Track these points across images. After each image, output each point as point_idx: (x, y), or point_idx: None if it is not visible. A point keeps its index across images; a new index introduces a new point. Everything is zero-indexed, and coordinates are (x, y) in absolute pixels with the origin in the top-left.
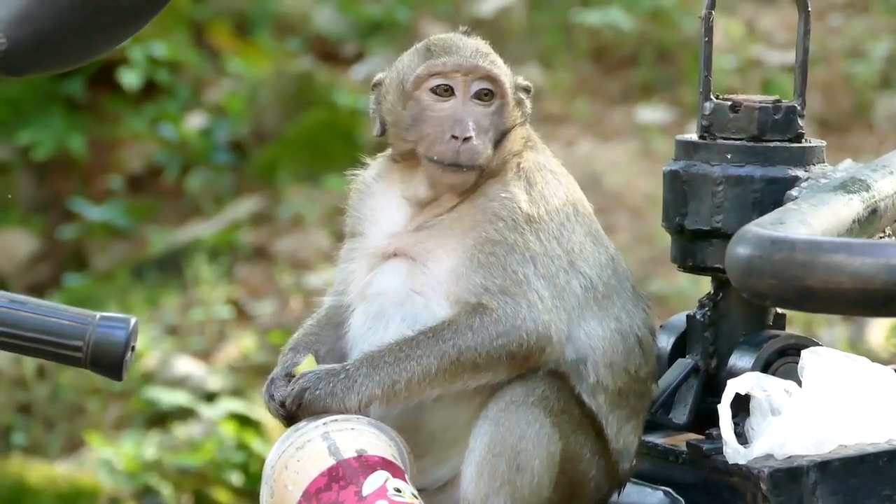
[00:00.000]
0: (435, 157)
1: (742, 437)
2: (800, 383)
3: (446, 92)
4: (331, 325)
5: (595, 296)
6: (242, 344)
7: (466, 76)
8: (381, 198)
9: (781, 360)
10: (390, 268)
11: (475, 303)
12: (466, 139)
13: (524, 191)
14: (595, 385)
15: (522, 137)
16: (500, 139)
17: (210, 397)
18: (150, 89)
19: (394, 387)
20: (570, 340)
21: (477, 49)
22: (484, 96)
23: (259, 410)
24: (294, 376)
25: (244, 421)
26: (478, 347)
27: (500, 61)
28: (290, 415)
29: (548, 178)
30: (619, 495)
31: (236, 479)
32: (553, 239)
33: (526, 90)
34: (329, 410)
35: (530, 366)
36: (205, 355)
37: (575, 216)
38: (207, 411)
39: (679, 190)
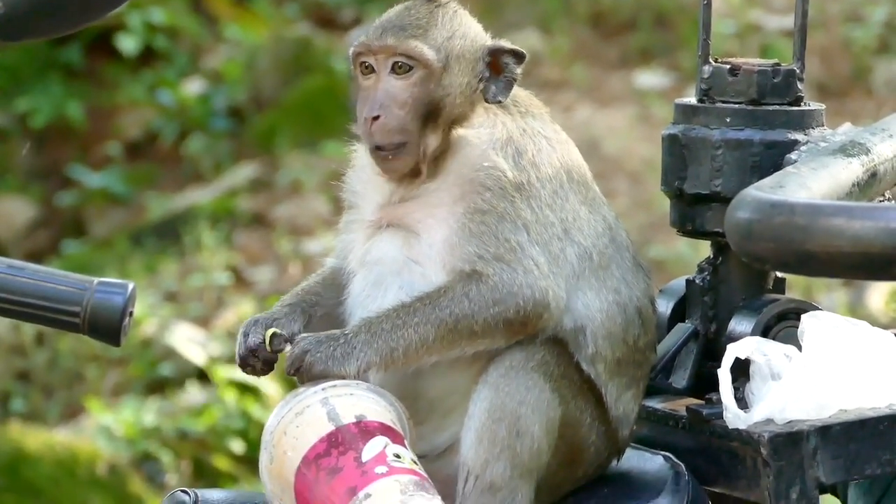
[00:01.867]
0: (362, 142)
1: (742, 402)
2: (800, 348)
3: (368, 70)
4: (334, 286)
5: (591, 266)
6: (241, 310)
7: (377, 55)
8: (370, 170)
9: (781, 325)
10: (387, 237)
11: (470, 270)
12: (375, 118)
13: (511, 159)
14: (594, 355)
15: (486, 105)
16: (433, 109)
17: (210, 363)
18: (148, 55)
19: (391, 354)
20: (568, 310)
21: (394, 23)
22: (399, 69)
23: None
24: (273, 336)
25: (243, 388)
26: (475, 315)
27: (433, 30)
28: (247, 364)
29: (541, 145)
30: (617, 461)
31: (237, 446)
32: (546, 206)
33: (515, 55)
34: (328, 375)
35: (528, 332)
36: (203, 321)
37: (569, 183)
38: (208, 377)
39: (678, 154)
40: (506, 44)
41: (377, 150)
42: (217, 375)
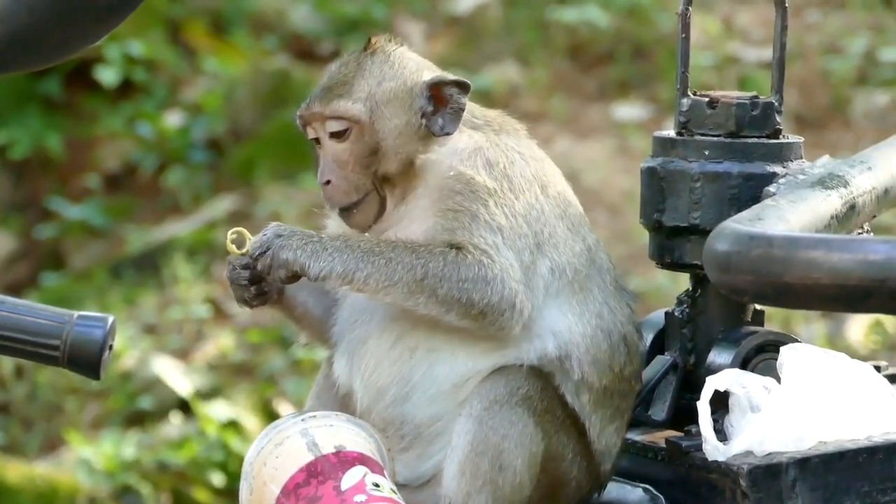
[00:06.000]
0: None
1: (721, 434)
2: (779, 380)
3: (316, 140)
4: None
5: (566, 283)
6: (220, 342)
7: (312, 123)
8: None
9: (760, 357)
10: None
11: (451, 240)
12: (327, 183)
13: (483, 168)
14: (579, 382)
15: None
16: (377, 158)
17: (192, 395)
18: (127, 88)
19: (355, 273)
20: (551, 334)
21: (322, 86)
22: (335, 134)
23: (238, 410)
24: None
25: (223, 421)
26: (443, 279)
27: (358, 82)
28: (253, 271)
29: (513, 159)
30: (599, 495)
31: (217, 478)
32: (519, 216)
33: (458, 85)
34: (291, 266)
35: (482, 324)
36: (183, 354)
37: (544, 197)
38: (189, 410)
39: (656, 186)
40: (447, 75)
41: (340, 211)
42: (198, 407)
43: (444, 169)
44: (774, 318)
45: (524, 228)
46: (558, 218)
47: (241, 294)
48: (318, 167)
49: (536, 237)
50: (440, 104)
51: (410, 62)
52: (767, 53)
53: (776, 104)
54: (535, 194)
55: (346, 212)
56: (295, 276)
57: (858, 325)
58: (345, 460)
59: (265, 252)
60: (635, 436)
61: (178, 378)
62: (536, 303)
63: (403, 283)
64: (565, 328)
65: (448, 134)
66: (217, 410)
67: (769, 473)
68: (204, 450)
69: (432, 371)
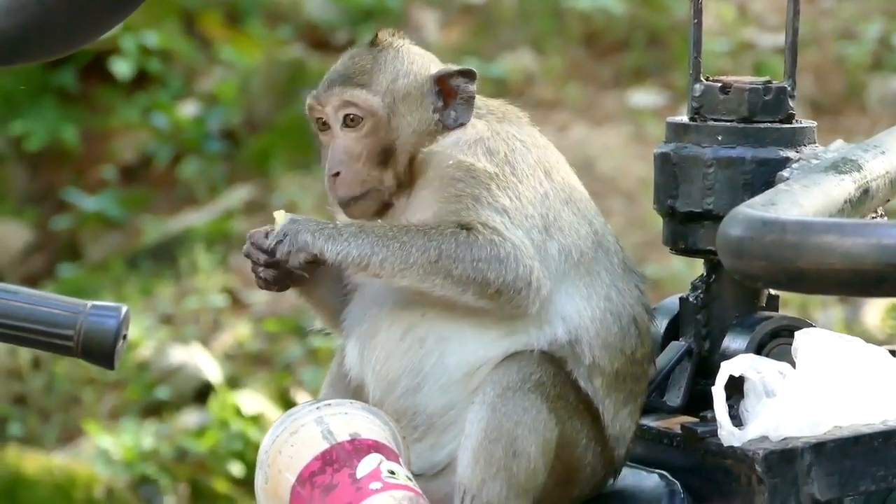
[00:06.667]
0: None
1: (736, 420)
2: (794, 365)
3: (324, 126)
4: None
5: (573, 265)
6: (237, 332)
7: (326, 107)
8: None
9: (775, 342)
10: None
11: (460, 220)
12: (335, 175)
13: (483, 156)
14: (591, 367)
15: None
16: (388, 153)
17: (208, 386)
18: (142, 79)
19: (370, 257)
20: (560, 318)
21: (339, 73)
22: (350, 122)
23: (256, 399)
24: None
25: (241, 410)
26: (456, 260)
27: (377, 76)
28: (270, 256)
29: (515, 146)
30: (614, 480)
31: (235, 468)
32: (524, 199)
33: (463, 74)
34: (309, 248)
35: (499, 303)
36: (200, 344)
37: (548, 181)
38: (206, 400)
39: (670, 172)
40: (451, 67)
41: (342, 203)
42: (221, 394)
43: (445, 159)
44: (791, 303)
45: (529, 210)
46: (563, 202)
47: (256, 270)
48: (323, 158)
49: (543, 219)
50: (449, 97)
51: (418, 57)
52: (782, 39)
53: (789, 89)
54: (538, 179)
55: (347, 205)
56: (314, 262)
57: (875, 310)
58: (360, 448)
59: (284, 238)
60: (650, 422)
61: (204, 364)
62: (552, 286)
63: (419, 265)
64: (574, 312)
65: (462, 124)
66: (235, 399)
67: (784, 458)
68: (223, 440)
69: (443, 361)
